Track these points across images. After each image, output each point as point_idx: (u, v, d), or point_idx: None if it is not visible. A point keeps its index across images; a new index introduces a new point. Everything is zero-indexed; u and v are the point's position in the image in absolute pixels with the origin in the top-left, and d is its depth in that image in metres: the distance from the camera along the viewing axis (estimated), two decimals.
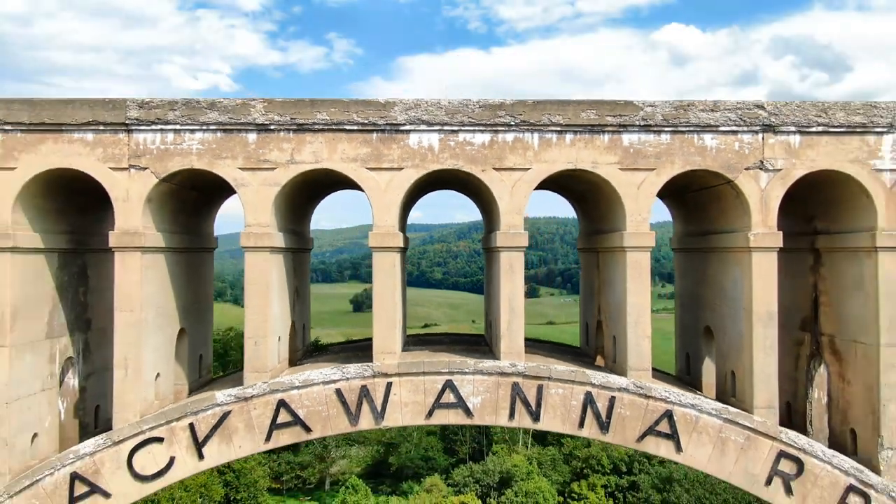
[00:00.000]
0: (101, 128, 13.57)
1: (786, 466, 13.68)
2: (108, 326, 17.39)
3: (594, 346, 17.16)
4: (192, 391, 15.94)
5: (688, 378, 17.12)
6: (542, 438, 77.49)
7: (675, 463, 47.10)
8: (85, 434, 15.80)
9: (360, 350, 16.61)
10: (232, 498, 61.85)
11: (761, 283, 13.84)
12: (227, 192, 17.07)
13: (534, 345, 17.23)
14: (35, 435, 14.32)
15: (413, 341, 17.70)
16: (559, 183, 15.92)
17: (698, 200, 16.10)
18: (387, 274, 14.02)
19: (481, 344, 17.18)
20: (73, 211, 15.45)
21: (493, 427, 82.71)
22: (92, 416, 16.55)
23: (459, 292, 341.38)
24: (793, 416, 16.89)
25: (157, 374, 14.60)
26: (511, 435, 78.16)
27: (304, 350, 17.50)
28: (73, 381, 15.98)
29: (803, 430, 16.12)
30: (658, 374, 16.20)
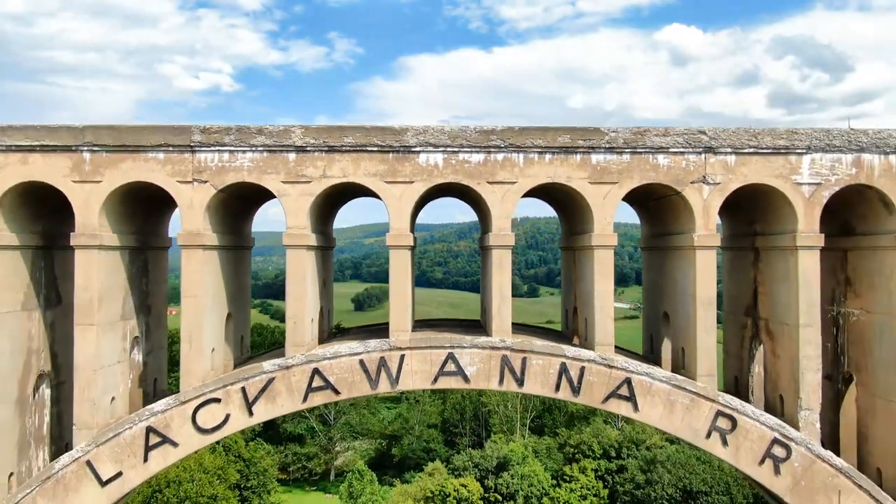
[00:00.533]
0: (171, 149, 16.83)
1: (722, 423, 16.93)
2: (163, 312, 20.78)
3: (572, 329, 20.42)
4: (236, 365, 19.20)
5: (651, 356, 20.35)
6: (539, 431, 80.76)
7: (661, 447, 50.96)
8: (147, 401, 19.05)
9: (375, 331, 19.84)
10: (243, 485, 65.04)
11: (703, 274, 17.10)
12: (263, 200, 20.33)
13: (521, 328, 20.46)
14: (112, 398, 17.62)
15: (420, 324, 20.92)
16: (542, 192, 19.17)
17: (657, 208, 19.36)
18: (400, 267, 17.29)
19: (477, 327, 20.43)
20: (138, 215, 18.73)
21: (491, 419, 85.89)
22: (152, 387, 19.86)
23: (460, 292, 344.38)
24: (739, 387, 20.17)
25: (213, 349, 17.87)
26: (509, 426, 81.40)
27: (329, 331, 20.77)
28: (138, 356, 19.28)
29: (746, 398, 19.36)
30: (626, 351, 19.44)
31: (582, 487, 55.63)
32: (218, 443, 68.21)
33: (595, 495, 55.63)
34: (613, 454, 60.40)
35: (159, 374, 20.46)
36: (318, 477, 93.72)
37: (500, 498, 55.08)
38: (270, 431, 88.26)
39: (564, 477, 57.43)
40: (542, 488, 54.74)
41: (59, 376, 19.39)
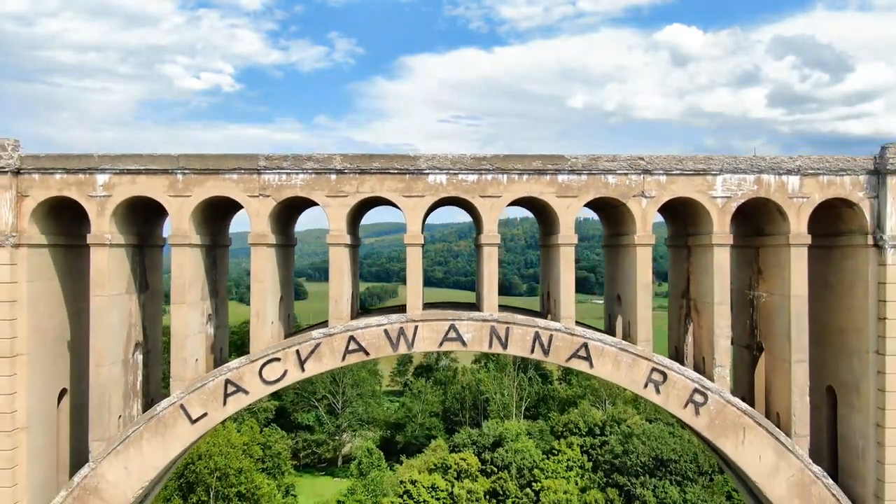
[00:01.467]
0: (242, 171, 22.45)
1: (656, 377, 22.56)
2: (226, 297, 26.50)
3: (547, 308, 26.05)
4: (286, 336, 24.80)
5: (609, 330, 25.96)
6: (533, 417, 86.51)
7: (641, 429, 57.50)
8: (216, 365, 24.65)
9: (392, 311, 25.43)
10: (259, 468, 70.54)
11: (642, 266, 22.74)
12: (304, 209, 25.88)
13: (507, 308, 26.07)
14: (196, 359, 23.26)
15: (427, 306, 26.53)
16: (522, 202, 24.79)
17: (612, 215, 25.01)
18: (414, 261, 22.94)
19: (473, 307, 26.04)
20: (210, 221, 24.35)
21: (489, 406, 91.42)
22: (219, 354, 25.51)
23: (461, 291, 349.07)
24: (678, 353, 25.81)
25: (272, 322, 23.51)
26: (506, 412, 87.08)
27: (357, 310, 26.42)
28: (210, 330, 24.91)
29: (682, 361, 24.92)
30: (585, 325, 25.00)
31: (568, 460, 61.76)
32: (242, 421, 73.82)
33: (580, 467, 61.68)
34: (598, 432, 66.45)
35: (223, 345, 26.14)
36: (325, 464, 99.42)
37: (495, 469, 60.86)
38: (282, 420, 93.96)
39: (553, 451, 63.45)
40: (533, 461, 60.64)
41: (147, 345, 25.10)
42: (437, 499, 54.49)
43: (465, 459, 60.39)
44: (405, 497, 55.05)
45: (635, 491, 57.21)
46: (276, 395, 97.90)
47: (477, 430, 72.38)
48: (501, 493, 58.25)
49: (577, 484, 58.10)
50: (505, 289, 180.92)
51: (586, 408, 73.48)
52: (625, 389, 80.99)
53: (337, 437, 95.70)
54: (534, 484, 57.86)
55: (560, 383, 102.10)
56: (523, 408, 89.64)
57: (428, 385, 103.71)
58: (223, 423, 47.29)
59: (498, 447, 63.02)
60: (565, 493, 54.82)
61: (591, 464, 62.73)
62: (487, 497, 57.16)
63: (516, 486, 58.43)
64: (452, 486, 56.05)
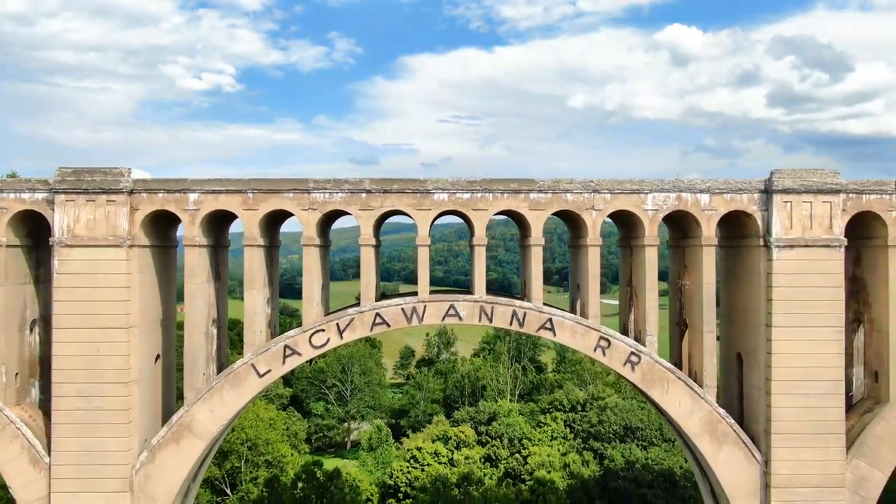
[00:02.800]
0: (296, 191, 30.34)
1: (603, 343, 30.47)
2: (277, 287, 34.30)
3: (524, 293, 33.94)
4: (326, 314, 32.66)
5: (572, 311, 33.80)
6: (528, 399, 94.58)
7: (615, 402, 67.15)
8: (273, 336, 32.52)
9: (406, 296, 33.29)
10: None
11: (592, 261, 30.63)
12: (337, 218, 33.72)
13: (493, 293, 33.94)
14: (261, 331, 31.18)
15: (433, 290, 34.41)
16: (505, 213, 32.66)
17: (573, 222, 32.91)
18: (423, 258, 30.84)
19: (468, 291, 33.91)
20: (269, 227, 32.25)
21: (486, 392, 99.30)
22: (273, 329, 33.40)
23: (460, 290, 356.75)
24: (626, 329, 33.68)
25: (317, 303, 31.43)
26: (501, 398, 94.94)
27: (380, 295, 34.34)
28: (268, 311, 32.80)
29: (627, 334, 32.74)
30: (552, 306, 32.82)
31: (553, 431, 70.08)
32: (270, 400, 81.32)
33: (563, 438, 69.92)
34: (579, 408, 74.73)
35: (276, 322, 34.05)
36: (334, 448, 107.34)
37: (489, 439, 68.93)
38: (295, 406, 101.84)
39: (540, 424, 71.75)
40: (522, 432, 68.84)
41: (219, 322, 33.02)
42: (440, 462, 62.58)
43: (463, 432, 68.64)
44: (411, 461, 63.14)
45: (606, 453, 65.53)
46: (288, 383, 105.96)
47: (474, 407, 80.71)
48: (494, 458, 66.59)
49: (559, 451, 66.41)
50: (505, 288, 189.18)
51: (570, 388, 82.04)
52: (607, 374, 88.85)
53: (346, 423, 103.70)
54: (522, 451, 66.19)
55: (553, 374, 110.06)
56: (517, 394, 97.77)
57: (430, 374, 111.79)
58: (253, 401, 55.48)
59: (492, 421, 71.32)
60: (548, 456, 63.07)
61: (572, 435, 71.14)
62: (482, 461, 65.30)
63: (507, 453, 66.84)
64: (452, 453, 64.32)
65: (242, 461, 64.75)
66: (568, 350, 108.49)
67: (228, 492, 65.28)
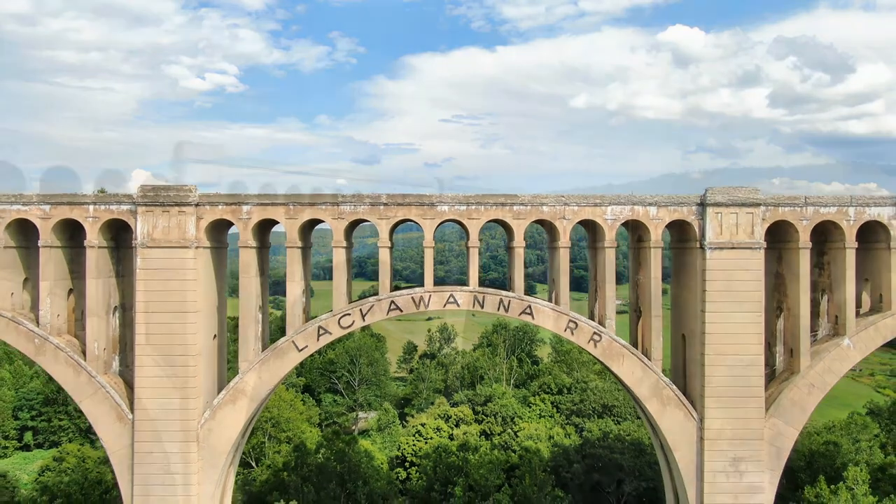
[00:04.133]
0: (329, 204, 38.20)
1: (571, 325, 38.33)
2: (310, 280, 42.26)
3: (510, 286, 41.76)
4: (350, 302, 40.48)
5: (551, 301, 41.62)
6: (523, 385, 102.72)
7: (595, 384, 77.01)
8: (307, 320, 40.38)
9: (416, 287, 41.09)
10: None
11: (563, 261, 38.46)
12: (357, 224, 41.53)
13: (486, 285, 41.77)
14: (298, 315, 39.06)
15: (436, 283, 42.23)
16: (494, 221, 40.51)
17: (550, 229, 40.75)
18: (428, 258, 38.67)
19: (465, 283, 41.74)
20: (304, 231, 40.09)
21: (484, 381, 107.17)
22: (307, 314, 41.26)
23: None
24: (593, 315, 41.51)
25: (344, 293, 39.30)
26: (497, 384, 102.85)
27: (394, 287, 42.20)
28: (303, 300, 40.65)
29: (593, 319, 40.53)
30: (532, 294, 40.63)
31: (541, 411, 78.38)
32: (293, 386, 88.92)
33: (550, 416, 78.22)
34: (566, 391, 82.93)
35: (309, 308, 41.93)
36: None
37: (485, 417, 77.06)
38: (308, 393, 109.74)
39: (530, 404, 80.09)
40: (514, 411, 77.02)
41: (263, 308, 40.90)
42: (441, 436, 70.66)
43: (461, 412, 76.83)
44: (416, 436, 71.23)
45: (586, 426, 73.66)
46: (300, 373, 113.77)
47: (472, 391, 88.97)
48: (489, 432, 74.81)
49: (546, 426, 74.65)
50: (505, 288, 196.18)
51: (558, 373, 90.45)
52: (594, 363, 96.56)
53: (354, 411, 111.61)
54: (513, 426, 74.36)
55: (545, 365, 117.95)
56: (512, 383, 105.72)
57: (432, 365, 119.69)
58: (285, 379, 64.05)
59: (488, 403, 79.55)
60: (535, 430, 71.25)
61: (558, 413, 79.47)
62: (479, 435, 73.35)
63: (501, 429, 75.08)
64: (452, 430, 72.41)
65: (266, 437, 72.64)
66: (561, 344, 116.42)
67: (254, 465, 73.24)
